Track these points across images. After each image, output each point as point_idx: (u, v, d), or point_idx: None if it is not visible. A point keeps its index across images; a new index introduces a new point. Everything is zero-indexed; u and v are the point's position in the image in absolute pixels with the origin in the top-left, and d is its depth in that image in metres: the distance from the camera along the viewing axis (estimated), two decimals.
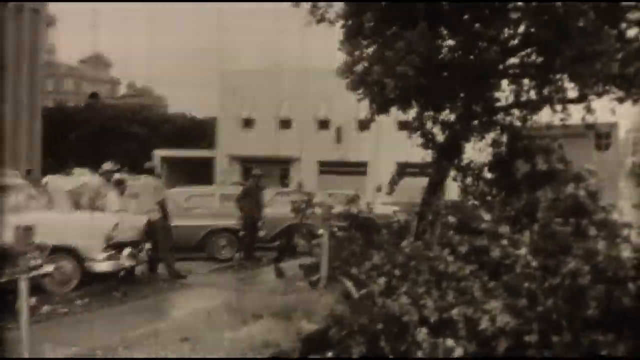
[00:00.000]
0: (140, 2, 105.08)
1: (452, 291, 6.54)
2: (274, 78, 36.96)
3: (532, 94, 10.01)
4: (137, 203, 12.25)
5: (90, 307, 9.09)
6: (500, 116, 10.34)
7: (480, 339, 5.98)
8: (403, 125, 10.45)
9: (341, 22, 9.85)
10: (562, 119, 9.73)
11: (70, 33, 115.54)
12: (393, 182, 11.33)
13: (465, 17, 9.40)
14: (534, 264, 6.54)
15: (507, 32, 9.47)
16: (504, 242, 7.17)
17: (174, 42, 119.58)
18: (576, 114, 9.66)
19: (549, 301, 6.05)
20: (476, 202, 10.01)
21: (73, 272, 9.97)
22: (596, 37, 8.44)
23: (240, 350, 6.42)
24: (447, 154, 10.30)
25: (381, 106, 9.95)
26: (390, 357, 6.19)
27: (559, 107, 9.64)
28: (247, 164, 35.08)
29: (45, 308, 8.64)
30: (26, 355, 5.54)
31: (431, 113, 10.36)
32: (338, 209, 11.43)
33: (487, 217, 8.21)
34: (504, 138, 10.35)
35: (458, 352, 5.91)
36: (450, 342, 5.99)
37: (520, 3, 9.11)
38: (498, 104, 10.18)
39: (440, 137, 10.36)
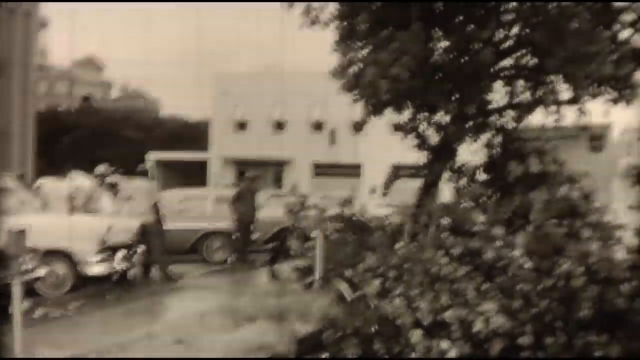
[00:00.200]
0: (134, 3, 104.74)
1: (446, 293, 6.54)
2: (267, 80, 36.87)
3: (526, 96, 10.04)
4: (131, 206, 12.20)
5: (84, 310, 9.04)
6: (494, 118, 10.35)
7: (475, 341, 5.99)
8: (397, 127, 10.39)
9: (335, 24, 9.86)
10: (555, 121, 9.75)
11: (62, 35, 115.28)
12: (387, 184, 11.33)
13: (459, 18, 9.41)
14: (528, 265, 6.56)
15: (501, 33, 9.49)
16: (498, 243, 7.17)
17: (167, 45, 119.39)
18: (570, 116, 9.69)
19: (543, 303, 6.06)
20: (470, 204, 10.00)
21: (66, 275, 9.93)
22: (590, 38, 8.46)
23: (234, 352, 6.41)
24: (441, 155, 10.29)
25: (375, 108, 9.95)
26: (385, 359, 6.19)
27: (552, 108, 9.66)
28: (241, 166, 34.92)
29: (39, 311, 8.59)
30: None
31: (425, 115, 10.36)
32: (332, 211, 11.42)
33: (481, 218, 8.20)
34: (498, 140, 10.36)
35: (452, 353, 5.92)
36: (444, 344, 5.99)
37: (513, 4, 9.13)
38: (492, 106, 10.19)
39: (434, 138, 10.36)
